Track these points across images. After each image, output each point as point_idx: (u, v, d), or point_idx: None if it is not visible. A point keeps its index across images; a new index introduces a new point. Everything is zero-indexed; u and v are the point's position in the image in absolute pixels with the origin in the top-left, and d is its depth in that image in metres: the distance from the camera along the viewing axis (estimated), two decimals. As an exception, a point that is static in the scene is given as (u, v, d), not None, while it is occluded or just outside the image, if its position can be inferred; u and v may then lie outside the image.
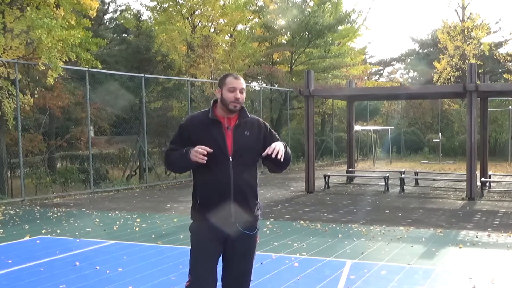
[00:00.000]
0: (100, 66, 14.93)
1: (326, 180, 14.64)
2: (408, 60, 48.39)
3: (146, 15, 36.61)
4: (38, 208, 11.44)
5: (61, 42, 12.48)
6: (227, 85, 3.40)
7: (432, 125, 31.51)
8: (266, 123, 3.59)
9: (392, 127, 28.04)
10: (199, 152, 3.24)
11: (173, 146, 3.47)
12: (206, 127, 3.39)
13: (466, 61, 29.84)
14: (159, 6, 24.05)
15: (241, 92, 3.41)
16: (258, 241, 3.57)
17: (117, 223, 9.39)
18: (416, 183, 15.40)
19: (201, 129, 3.39)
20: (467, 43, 31.29)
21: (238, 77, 3.46)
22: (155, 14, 24.59)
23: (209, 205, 3.38)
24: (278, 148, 3.32)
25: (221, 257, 3.50)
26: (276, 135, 3.59)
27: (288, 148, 3.50)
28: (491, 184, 14.70)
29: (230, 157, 3.34)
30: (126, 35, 28.30)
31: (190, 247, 3.48)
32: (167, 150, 3.55)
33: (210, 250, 3.39)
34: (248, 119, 3.47)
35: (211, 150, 3.26)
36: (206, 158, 3.25)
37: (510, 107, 24.43)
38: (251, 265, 3.52)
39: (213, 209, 3.36)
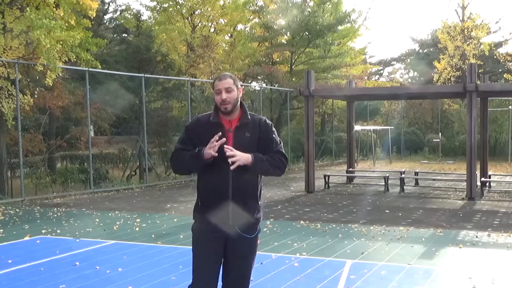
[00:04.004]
0: (99, 66, 14.91)
1: (326, 180, 14.64)
2: (408, 60, 48.34)
3: (146, 15, 36.61)
4: (38, 208, 11.43)
5: (61, 43, 12.47)
6: (214, 89, 3.39)
7: (432, 125, 31.50)
8: (268, 121, 3.48)
9: (392, 127, 28.02)
10: (213, 145, 3.22)
11: (182, 146, 3.42)
12: (209, 129, 3.35)
13: (466, 61, 29.81)
14: (159, 6, 24.04)
15: (228, 91, 3.33)
16: (258, 243, 3.55)
17: (117, 223, 9.39)
18: (416, 183, 15.40)
19: (205, 131, 3.36)
20: (467, 43, 31.26)
21: (223, 77, 3.39)
22: (155, 14, 24.58)
23: (208, 206, 3.38)
24: (235, 155, 3.25)
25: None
26: (275, 139, 3.45)
27: (277, 160, 3.40)
28: (491, 184, 14.69)
29: (230, 159, 3.31)
30: (126, 35, 28.33)
31: (191, 247, 3.50)
32: (174, 150, 3.47)
33: (209, 252, 3.39)
34: (249, 120, 3.43)
35: (216, 154, 3.24)
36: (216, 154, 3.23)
37: (510, 107, 24.43)
38: (250, 268, 3.50)
39: (212, 210, 3.36)
